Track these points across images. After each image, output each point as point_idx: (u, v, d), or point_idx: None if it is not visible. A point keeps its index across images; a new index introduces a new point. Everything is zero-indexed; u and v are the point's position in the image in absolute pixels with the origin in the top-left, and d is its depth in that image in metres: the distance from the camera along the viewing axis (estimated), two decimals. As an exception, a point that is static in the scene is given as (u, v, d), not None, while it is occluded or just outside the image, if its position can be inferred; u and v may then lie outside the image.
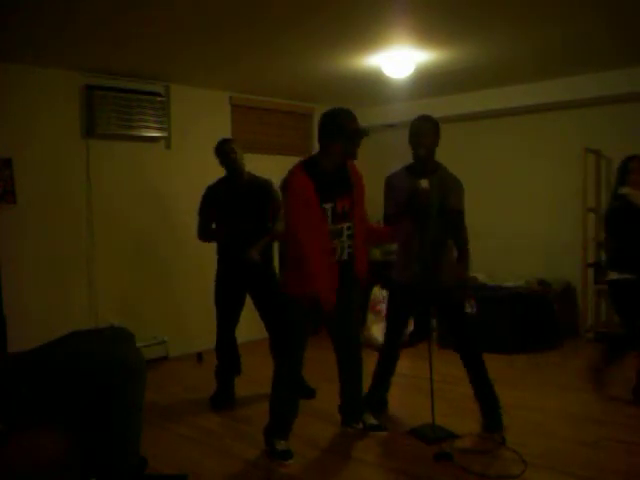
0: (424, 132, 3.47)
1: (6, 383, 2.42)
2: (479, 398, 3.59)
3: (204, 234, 4.25)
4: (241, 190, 4.12)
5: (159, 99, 5.28)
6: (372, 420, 3.60)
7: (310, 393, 4.15)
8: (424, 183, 3.34)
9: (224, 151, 4.11)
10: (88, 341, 2.62)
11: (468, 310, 5.48)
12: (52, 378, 2.40)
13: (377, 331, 5.62)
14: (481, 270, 5.97)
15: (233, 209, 4.10)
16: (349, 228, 3.29)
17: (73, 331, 2.63)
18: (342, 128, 3.17)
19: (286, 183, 3.21)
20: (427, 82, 5.49)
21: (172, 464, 3.18)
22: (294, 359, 3.33)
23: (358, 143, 3.24)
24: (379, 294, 5.82)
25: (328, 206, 3.19)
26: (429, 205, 3.38)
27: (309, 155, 3.45)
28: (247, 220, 4.07)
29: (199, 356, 5.40)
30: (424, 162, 3.49)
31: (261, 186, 4.15)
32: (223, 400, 4.16)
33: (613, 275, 4.01)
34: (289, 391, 3.33)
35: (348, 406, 3.62)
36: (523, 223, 6.16)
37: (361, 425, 3.59)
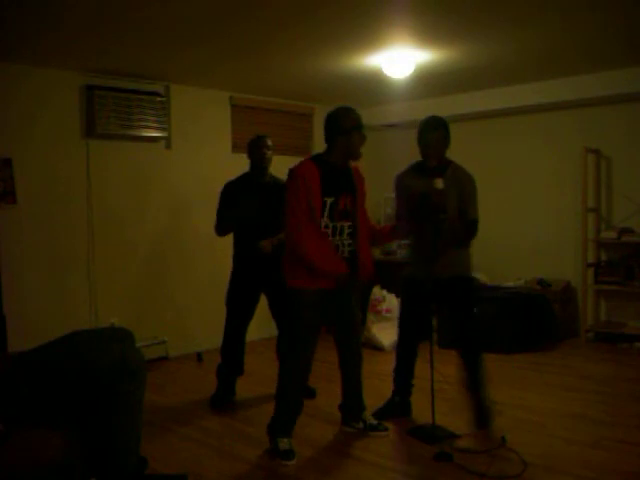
0: (434, 144, 3.46)
1: (6, 383, 2.42)
2: (470, 397, 3.59)
3: (222, 229, 4.16)
4: (265, 188, 4.10)
5: (159, 99, 5.28)
6: (372, 420, 3.60)
7: (310, 393, 4.15)
8: (439, 183, 3.30)
9: (259, 145, 4.11)
10: (88, 341, 2.63)
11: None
12: (52, 378, 2.41)
13: (377, 331, 5.63)
14: (481, 270, 5.97)
15: (254, 206, 4.06)
16: (350, 227, 3.33)
17: (73, 331, 2.64)
18: (338, 124, 3.26)
19: (293, 170, 3.25)
20: (427, 82, 5.49)
21: (172, 464, 3.18)
22: (302, 354, 3.32)
23: (357, 139, 3.27)
24: (379, 294, 5.82)
25: (329, 200, 3.24)
26: (443, 206, 3.35)
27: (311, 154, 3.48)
28: (267, 218, 4.03)
29: (199, 356, 5.39)
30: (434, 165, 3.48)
31: (283, 187, 4.12)
32: (223, 400, 4.15)
33: None
34: (295, 386, 3.34)
35: (348, 404, 3.63)
36: (523, 223, 6.16)
37: (361, 424, 3.59)
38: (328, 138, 3.31)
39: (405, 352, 3.77)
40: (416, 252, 3.64)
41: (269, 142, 4.14)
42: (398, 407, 3.78)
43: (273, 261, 3.99)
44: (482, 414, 3.54)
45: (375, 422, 3.59)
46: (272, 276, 4.04)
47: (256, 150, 4.13)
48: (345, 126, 3.25)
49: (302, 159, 3.36)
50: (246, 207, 4.06)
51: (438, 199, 3.30)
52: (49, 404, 2.39)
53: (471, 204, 3.50)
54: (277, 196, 4.08)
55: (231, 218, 4.14)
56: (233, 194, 4.16)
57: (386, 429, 3.57)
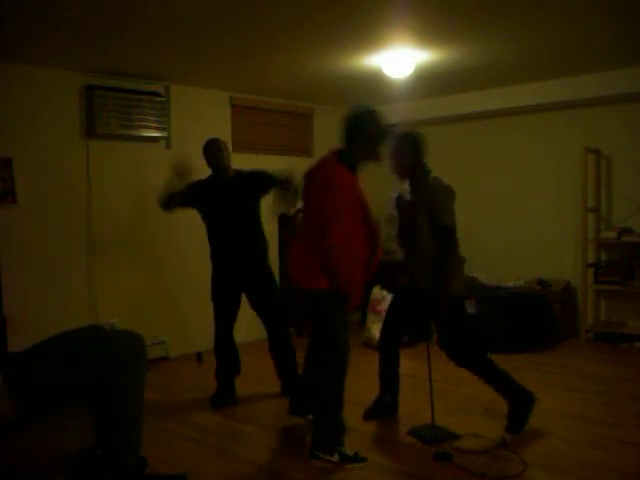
0: (397, 152, 3.49)
1: (22, 364, 2.41)
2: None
3: (166, 203, 4.10)
4: (227, 186, 4.12)
5: (159, 99, 5.27)
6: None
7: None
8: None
9: (212, 150, 4.13)
10: (89, 338, 2.64)
11: (468, 310, 5.47)
12: (62, 359, 2.41)
13: (377, 331, 5.61)
14: (481, 270, 5.98)
15: (220, 206, 4.09)
16: None
17: (90, 325, 2.64)
18: (372, 125, 3.15)
19: (334, 178, 3.05)
20: (427, 82, 5.49)
21: (172, 464, 3.18)
22: (344, 354, 3.16)
23: (379, 143, 3.21)
24: (379, 294, 5.81)
25: None
26: (412, 209, 3.46)
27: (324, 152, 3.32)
28: (236, 216, 4.07)
29: (199, 356, 5.40)
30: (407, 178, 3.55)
31: (246, 177, 4.14)
32: (223, 400, 4.16)
33: None
34: (341, 390, 3.18)
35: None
36: (523, 223, 6.16)
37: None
38: (352, 137, 3.13)
39: (387, 353, 3.77)
40: (403, 261, 3.68)
41: (221, 145, 4.15)
42: (388, 407, 3.78)
43: (248, 260, 4.00)
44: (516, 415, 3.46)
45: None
46: (250, 277, 4.07)
47: (211, 155, 4.13)
48: (377, 129, 3.16)
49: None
50: (216, 219, 4.11)
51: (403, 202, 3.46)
52: (60, 387, 2.38)
53: (440, 213, 3.38)
54: (243, 187, 4.11)
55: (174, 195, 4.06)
56: (195, 194, 4.13)
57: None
